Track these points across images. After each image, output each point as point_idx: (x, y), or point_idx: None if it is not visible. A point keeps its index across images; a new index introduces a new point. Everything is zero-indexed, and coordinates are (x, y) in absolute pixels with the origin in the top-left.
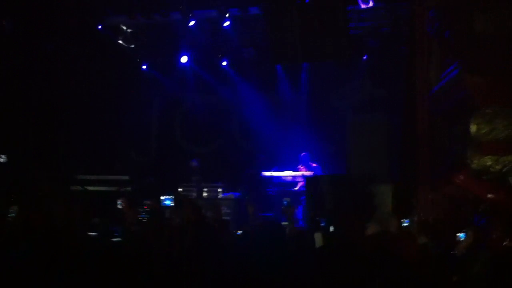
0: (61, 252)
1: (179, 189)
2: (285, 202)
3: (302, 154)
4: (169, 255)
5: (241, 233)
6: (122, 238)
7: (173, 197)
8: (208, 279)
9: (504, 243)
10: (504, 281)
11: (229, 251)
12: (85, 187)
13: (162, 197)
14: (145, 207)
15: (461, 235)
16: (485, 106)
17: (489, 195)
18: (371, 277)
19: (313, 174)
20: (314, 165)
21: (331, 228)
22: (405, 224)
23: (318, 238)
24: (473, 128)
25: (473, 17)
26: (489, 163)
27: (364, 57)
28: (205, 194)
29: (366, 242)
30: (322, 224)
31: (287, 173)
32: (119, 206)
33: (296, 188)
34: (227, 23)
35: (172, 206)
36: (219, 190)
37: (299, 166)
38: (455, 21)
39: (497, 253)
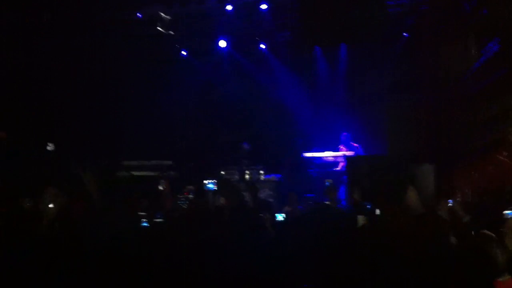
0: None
1: (222, 173)
2: (327, 183)
3: (343, 134)
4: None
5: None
6: (164, 220)
7: (215, 180)
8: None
9: None
10: None
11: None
12: (130, 172)
13: (205, 181)
14: (185, 193)
15: (508, 212)
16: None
17: None
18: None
19: (355, 154)
20: (355, 145)
21: (377, 211)
22: (449, 205)
23: (361, 220)
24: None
25: None
26: None
27: (404, 35)
28: (247, 176)
29: (409, 223)
30: (368, 207)
31: (328, 154)
32: (160, 188)
33: (338, 168)
34: (264, 6)
35: (215, 189)
36: (261, 172)
37: (340, 146)
38: None
39: None
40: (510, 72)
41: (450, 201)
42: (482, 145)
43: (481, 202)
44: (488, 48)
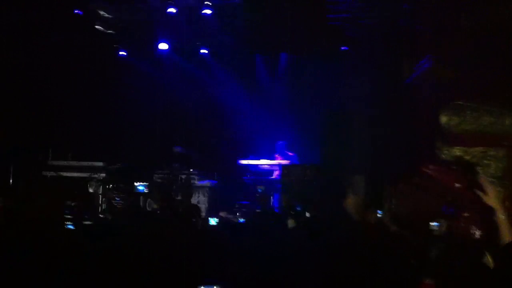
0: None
1: (155, 175)
2: (259, 190)
3: (279, 142)
4: (139, 240)
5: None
6: (92, 222)
7: (147, 183)
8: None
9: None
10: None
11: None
12: (59, 173)
13: (136, 184)
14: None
15: (434, 224)
16: (455, 98)
17: (456, 185)
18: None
19: (290, 163)
20: (290, 154)
21: (307, 214)
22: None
23: (290, 223)
24: (443, 119)
25: (444, 11)
26: (458, 153)
27: (342, 48)
28: (181, 181)
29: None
30: (298, 209)
31: (263, 161)
32: (90, 190)
33: (273, 177)
34: (207, 11)
35: (145, 192)
36: (195, 177)
37: (276, 155)
38: (427, 15)
39: (462, 242)
40: (440, 88)
41: (379, 212)
42: (413, 159)
43: (410, 214)
44: (421, 64)
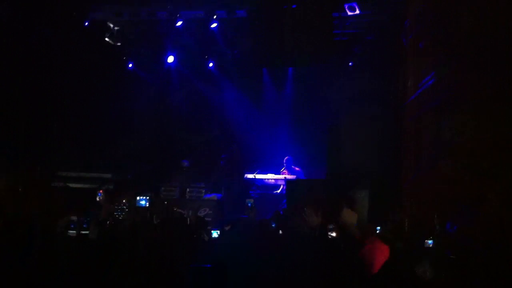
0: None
1: (162, 188)
2: (249, 204)
3: (286, 158)
4: (139, 250)
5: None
6: (90, 231)
7: (147, 197)
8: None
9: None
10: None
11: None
12: (67, 184)
13: (137, 197)
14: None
15: (429, 241)
16: (456, 113)
17: (460, 199)
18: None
19: (295, 178)
20: (297, 169)
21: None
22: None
23: None
24: (446, 133)
25: (445, 27)
26: (461, 168)
27: (350, 64)
28: (188, 194)
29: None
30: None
31: (269, 176)
32: (97, 199)
33: (278, 191)
34: (214, 25)
35: (146, 206)
36: (202, 190)
37: (282, 170)
38: (428, 32)
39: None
40: (443, 103)
41: (378, 228)
42: (416, 172)
43: (410, 229)
44: (425, 81)
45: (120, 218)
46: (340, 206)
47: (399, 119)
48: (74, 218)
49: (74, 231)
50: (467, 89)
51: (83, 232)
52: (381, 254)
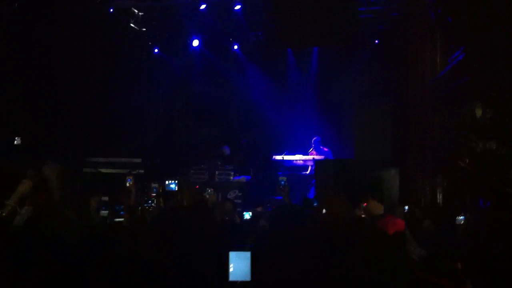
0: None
1: (191, 171)
2: (282, 182)
3: (314, 138)
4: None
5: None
6: (124, 217)
7: (176, 181)
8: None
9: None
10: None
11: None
12: (98, 169)
13: (167, 182)
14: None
15: (460, 217)
16: (490, 90)
17: (490, 179)
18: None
19: (324, 158)
20: (325, 149)
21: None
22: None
23: None
24: (478, 112)
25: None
26: (494, 146)
27: (376, 42)
28: (217, 177)
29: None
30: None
31: (298, 157)
32: (127, 184)
33: (307, 172)
34: (237, 7)
35: (176, 190)
36: (231, 173)
37: (311, 150)
38: (458, 6)
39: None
40: (473, 80)
41: (405, 207)
42: (446, 151)
43: (439, 208)
44: (454, 57)
45: (150, 205)
46: (366, 198)
47: (425, 98)
48: (105, 198)
49: (106, 211)
50: (498, 64)
51: (118, 219)
52: (393, 226)
